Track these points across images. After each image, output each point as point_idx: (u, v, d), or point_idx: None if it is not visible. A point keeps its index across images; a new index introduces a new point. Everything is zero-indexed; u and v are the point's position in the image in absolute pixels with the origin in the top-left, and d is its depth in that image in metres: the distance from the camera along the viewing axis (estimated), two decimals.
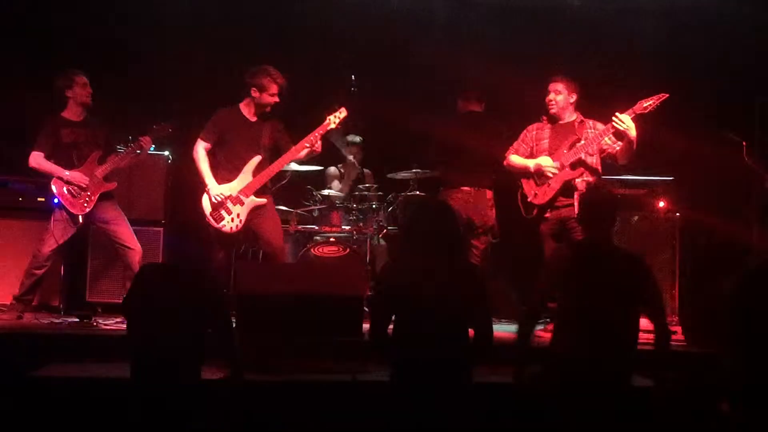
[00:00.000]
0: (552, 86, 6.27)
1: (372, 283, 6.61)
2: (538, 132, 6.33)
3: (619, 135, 6.00)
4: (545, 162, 6.17)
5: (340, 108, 6.23)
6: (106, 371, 4.66)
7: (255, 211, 6.12)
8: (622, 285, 4.10)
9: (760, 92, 7.16)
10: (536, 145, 6.32)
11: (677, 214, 6.83)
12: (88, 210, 6.10)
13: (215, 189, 6.07)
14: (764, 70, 7.22)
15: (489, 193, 6.65)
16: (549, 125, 6.31)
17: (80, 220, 6.10)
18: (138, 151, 6.22)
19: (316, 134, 6.11)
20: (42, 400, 4.36)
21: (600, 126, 6.16)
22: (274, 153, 6.22)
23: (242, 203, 6.08)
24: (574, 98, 6.27)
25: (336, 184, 7.69)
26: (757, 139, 6.81)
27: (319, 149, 6.20)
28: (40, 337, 5.47)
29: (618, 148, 6.06)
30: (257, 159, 6.12)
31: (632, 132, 5.88)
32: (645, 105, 5.92)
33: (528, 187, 6.24)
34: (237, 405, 4.18)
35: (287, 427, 4.40)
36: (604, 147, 6.14)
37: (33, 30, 7.31)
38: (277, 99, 6.13)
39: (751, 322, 4.08)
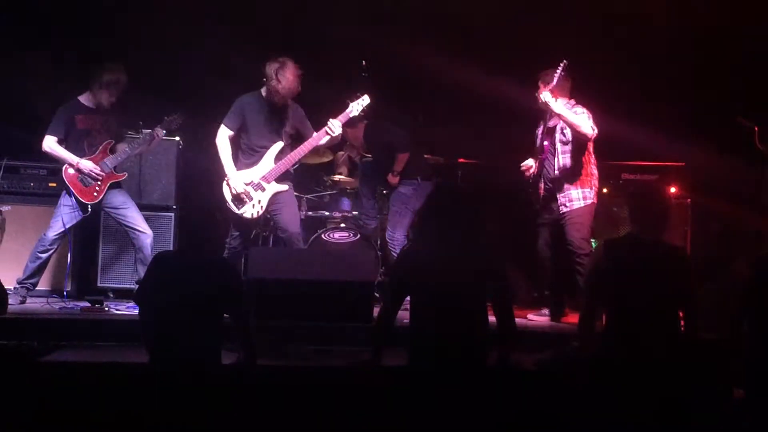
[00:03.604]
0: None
1: (382, 269, 6.61)
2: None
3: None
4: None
5: (362, 95, 6.21)
6: (118, 356, 4.68)
7: (276, 197, 6.11)
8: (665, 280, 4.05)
9: None
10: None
11: (688, 200, 6.80)
12: (98, 199, 6.09)
13: (235, 178, 6.04)
14: None
15: None
16: None
17: (89, 208, 6.10)
18: (150, 144, 6.19)
19: (338, 120, 6.09)
20: (54, 385, 4.37)
21: None
22: (295, 140, 6.20)
23: (264, 189, 6.06)
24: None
25: (345, 169, 7.67)
26: None
27: (339, 137, 6.20)
28: (51, 322, 5.49)
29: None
30: (279, 145, 6.09)
31: (555, 108, 5.83)
32: (547, 78, 5.89)
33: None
34: (249, 389, 4.18)
35: (298, 413, 4.40)
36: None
37: (46, 15, 7.27)
38: (293, 88, 6.00)
39: (763, 306, 4.09)
